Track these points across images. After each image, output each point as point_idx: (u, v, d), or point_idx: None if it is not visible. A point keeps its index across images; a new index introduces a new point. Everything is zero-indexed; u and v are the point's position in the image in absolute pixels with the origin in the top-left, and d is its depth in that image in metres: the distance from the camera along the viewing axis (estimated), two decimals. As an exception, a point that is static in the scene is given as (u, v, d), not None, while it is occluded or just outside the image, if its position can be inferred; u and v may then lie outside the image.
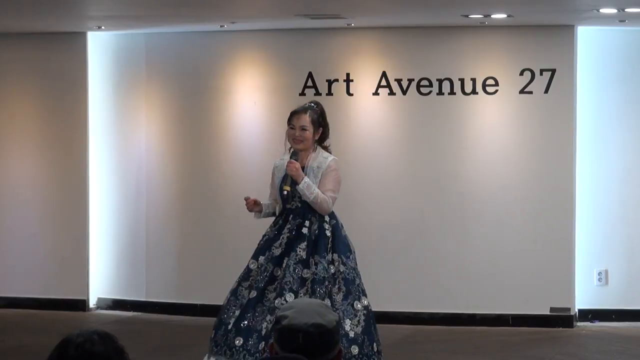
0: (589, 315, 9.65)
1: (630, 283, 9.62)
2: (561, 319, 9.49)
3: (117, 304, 10.41)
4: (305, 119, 6.84)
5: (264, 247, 6.84)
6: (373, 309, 6.78)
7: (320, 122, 6.92)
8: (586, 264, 9.63)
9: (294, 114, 6.88)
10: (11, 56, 10.47)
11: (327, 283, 6.66)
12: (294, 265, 6.66)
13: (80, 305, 10.34)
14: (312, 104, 6.99)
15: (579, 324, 9.58)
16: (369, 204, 9.79)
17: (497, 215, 9.61)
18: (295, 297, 6.56)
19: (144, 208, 10.33)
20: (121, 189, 10.39)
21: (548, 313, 9.51)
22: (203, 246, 10.15)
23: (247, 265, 6.85)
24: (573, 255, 9.55)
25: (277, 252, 6.75)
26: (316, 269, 6.67)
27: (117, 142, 10.40)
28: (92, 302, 10.42)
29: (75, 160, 10.34)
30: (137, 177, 10.35)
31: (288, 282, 6.62)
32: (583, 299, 9.62)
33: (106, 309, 10.42)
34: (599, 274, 9.66)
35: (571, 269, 9.54)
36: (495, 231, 9.61)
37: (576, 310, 9.61)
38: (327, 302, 6.56)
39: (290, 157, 6.83)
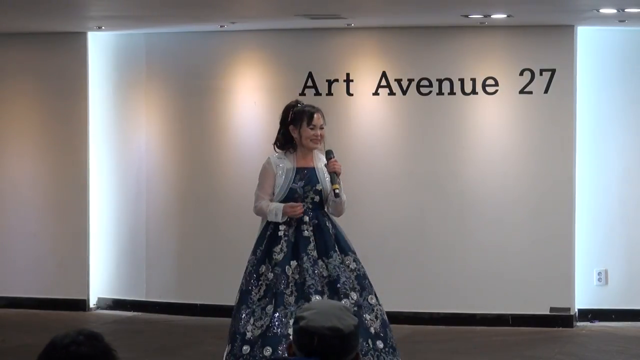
0: (588, 315, 9.65)
1: (630, 283, 9.62)
2: (561, 319, 9.49)
3: (117, 304, 10.41)
4: (322, 118, 6.83)
5: (290, 251, 6.65)
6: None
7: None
8: (586, 264, 9.63)
9: (313, 114, 6.78)
10: (11, 56, 10.47)
11: (363, 275, 6.70)
12: (341, 266, 6.63)
13: (80, 305, 10.34)
14: (300, 102, 6.95)
15: (578, 323, 9.58)
16: (369, 204, 9.79)
17: (497, 215, 9.61)
18: (359, 296, 6.57)
19: (144, 208, 10.33)
20: (121, 188, 10.39)
21: (548, 313, 9.52)
22: (203, 246, 10.15)
23: (283, 271, 6.59)
24: (573, 255, 9.55)
25: (315, 254, 6.65)
26: (357, 265, 6.68)
27: (117, 142, 10.41)
28: (92, 302, 10.42)
29: (75, 160, 10.34)
30: (137, 177, 10.35)
31: (345, 283, 6.58)
32: (583, 298, 9.62)
33: (106, 309, 10.43)
34: (599, 274, 9.66)
35: (571, 269, 9.54)
36: (495, 231, 9.61)
37: (576, 310, 9.61)
38: (375, 295, 6.64)
39: (330, 157, 6.75)
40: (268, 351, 6.44)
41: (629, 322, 9.53)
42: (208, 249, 10.11)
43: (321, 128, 6.79)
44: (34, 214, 10.45)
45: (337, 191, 6.65)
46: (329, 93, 9.89)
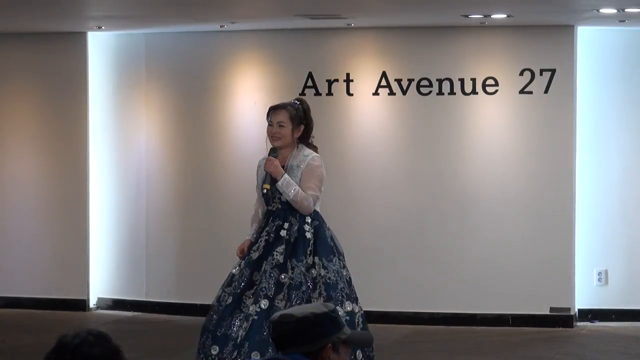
0: (589, 315, 9.64)
1: (630, 283, 9.62)
2: (561, 319, 9.49)
3: (117, 304, 10.41)
4: (283, 115, 6.62)
5: (265, 251, 6.58)
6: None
7: (302, 119, 6.67)
8: (586, 264, 9.63)
9: (271, 110, 6.69)
10: (11, 56, 10.47)
11: (304, 288, 6.42)
12: (270, 270, 6.44)
13: (80, 305, 10.34)
14: (296, 101, 6.77)
15: (579, 324, 9.58)
16: (369, 204, 9.79)
17: (497, 215, 9.61)
18: (271, 303, 6.35)
19: (144, 208, 10.33)
20: (121, 188, 10.39)
21: (548, 313, 9.51)
22: (203, 246, 10.15)
23: (231, 271, 6.65)
24: (573, 255, 9.55)
25: (254, 255, 6.53)
26: (292, 273, 6.44)
27: (117, 142, 10.41)
28: (92, 302, 10.42)
29: (75, 160, 10.34)
30: (137, 177, 10.35)
31: (264, 289, 6.41)
32: (583, 298, 9.62)
33: (106, 309, 10.42)
34: (599, 274, 9.66)
35: (571, 269, 9.54)
36: (495, 231, 9.61)
37: (576, 310, 9.61)
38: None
39: (269, 155, 6.61)
40: (215, 350, 6.42)
41: (629, 322, 9.52)
42: (208, 249, 10.11)
43: (280, 126, 6.61)
44: (34, 214, 10.44)
45: (264, 191, 6.56)
46: (329, 93, 9.89)
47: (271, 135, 6.66)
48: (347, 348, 3.41)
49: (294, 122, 6.64)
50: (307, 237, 6.55)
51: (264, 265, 6.50)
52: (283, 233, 6.54)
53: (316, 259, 6.51)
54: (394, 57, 9.81)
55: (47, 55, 10.38)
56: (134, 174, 10.36)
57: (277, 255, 6.49)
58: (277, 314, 3.39)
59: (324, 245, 6.57)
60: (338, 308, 6.34)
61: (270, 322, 3.39)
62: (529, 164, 9.58)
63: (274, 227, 6.58)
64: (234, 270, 6.63)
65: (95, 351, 2.87)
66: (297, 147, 6.69)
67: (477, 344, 8.97)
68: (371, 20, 9.55)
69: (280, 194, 6.57)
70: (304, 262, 6.48)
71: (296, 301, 6.35)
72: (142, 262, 10.35)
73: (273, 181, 6.59)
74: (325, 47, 9.93)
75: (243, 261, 6.60)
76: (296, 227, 6.56)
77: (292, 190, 6.51)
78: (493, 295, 9.60)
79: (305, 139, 6.72)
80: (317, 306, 3.42)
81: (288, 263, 6.48)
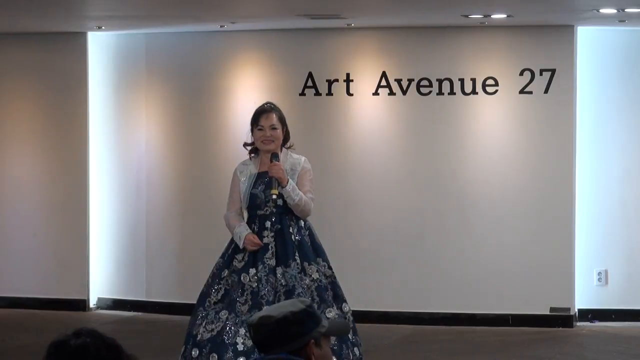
0: (588, 315, 9.65)
1: (630, 283, 9.62)
2: (561, 319, 9.49)
3: (117, 304, 10.41)
4: (273, 118, 6.59)
5: (251, 259, 6.50)
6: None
7: (284, 120, 6.67)
8: (586, 264, 9.63)
9: (260, 114, 6.61)
10: (11, 56, 10.48)
11: (329, 287, 6.48)
12: (298, 275, 6.43)
13: (81, 305, 10.34)
14: (271, 104, 6.73)
15: (579, 324, 9.58)
16: (368, 204, 9.79)
17: (497, 215, 9.61)
18: (317, 308, 6.28)
19: (144, 208, 10.33)
20: (121, 188, 10.40)
21: (548, 313, 9.52)
22: (203, 246, 10.14)
23: (239, 279, 6.47)
24: (573, 255, 9.55)
25: (272, 262, 6.46)
26: (318, 275, 6.46)
27: (117, 142, 10.41)
28: (92, 302, 10.43)
29: (75, 159, 10.35)
30: (137, 177, 10.35)
31: (300, 294, 6.36)
32: (583, 299, 9.62)
33: (106, 309, 10.43)
34: (599, 274, 9.66)
35: (571, 269, 9.54)
36: (495, 231, 9.61)
37: (576, 310, 9.61)
38: (334, 308, 6.40)
39: (271, 159, 6.54)
40: (214, 358, 6.33)
41: (629, 322, 9.53)
42: (208, 248, 10.09)
43: (273, 128, 6.57)
44: (34, 213, 10.45)
45: (274, 197, 6.47)
46: (329, 93, 9.89)
47: (263, 140, 6.60)
48: (327, 339, 3.40)
49: (282, 124, 6.64)
50: (306, 239, 6.57)
51: (282, 271, 6.44)
52: (293, 237, 6.51)
53: (320, 260, 6.55)
54: (394, 57, 9.82)
55: (47, 55, 10.38)
56: (134, 174, 10.36)
57: (298, 259, 6.47)
58: (255, 317, 3.34)
59: (320, 247, 6.62)
60: (344, 304, 6.48)
61: (249, 326, 3.34)
62: (528, 164, 9.58)
63: (276, 231, 6.53)
64: (245, 280, 6.46)
65: (100, 351, 2.86)
66: (282, 150, 6.65)
67: (477, 344, 8.97)
68: (371, 20, 9.55)
69: (276, 197, 6.51)
70: (318, 262, 6.52)
71: (328, 303, 6.39)
72: (142, 262, 10.35)
73: (268, 186, 6.55)
74: (325, 47, 9.93)
75: (253, 269, 6.49)
76: (296, 230, 6.56)
77: (297, 195, 6.49)
78: (493, 295, 9.60)
79: (285, 143, 6.70)
80: (293, 303, 3.36)
81: (307, 266, 6.48)
